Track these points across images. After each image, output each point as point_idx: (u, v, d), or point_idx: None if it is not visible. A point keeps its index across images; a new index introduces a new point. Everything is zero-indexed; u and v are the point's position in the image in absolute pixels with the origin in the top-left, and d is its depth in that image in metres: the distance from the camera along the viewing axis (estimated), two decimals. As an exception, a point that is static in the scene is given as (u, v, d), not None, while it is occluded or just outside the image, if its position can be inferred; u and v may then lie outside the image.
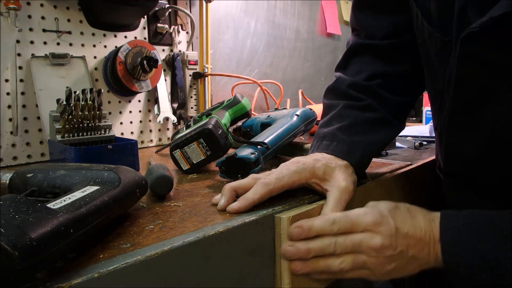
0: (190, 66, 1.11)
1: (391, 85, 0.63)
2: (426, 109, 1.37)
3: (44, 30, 0.85)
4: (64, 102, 0.70)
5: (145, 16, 1.03)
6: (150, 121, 1.06)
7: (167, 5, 1.06)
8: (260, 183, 0.49)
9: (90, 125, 0.72)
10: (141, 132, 1.04)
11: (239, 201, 0.47)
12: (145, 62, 0.92)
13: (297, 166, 0.51)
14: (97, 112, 0.72)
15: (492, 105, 0.47)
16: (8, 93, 0.80)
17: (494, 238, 0.43)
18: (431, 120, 1.34)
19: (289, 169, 0.51)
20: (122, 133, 1.00)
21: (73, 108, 0.70)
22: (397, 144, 0.95)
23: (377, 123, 0.60)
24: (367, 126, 0.59)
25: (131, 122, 1.02)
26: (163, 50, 1.09)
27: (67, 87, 0.70)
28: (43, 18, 0.85)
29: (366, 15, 0.65)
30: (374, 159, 0.77)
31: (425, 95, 1.35)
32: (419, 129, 1.15)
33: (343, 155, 0.55)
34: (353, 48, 0.66)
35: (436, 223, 0.46)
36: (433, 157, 0.80)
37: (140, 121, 1.04)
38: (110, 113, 0.96)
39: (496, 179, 0.52)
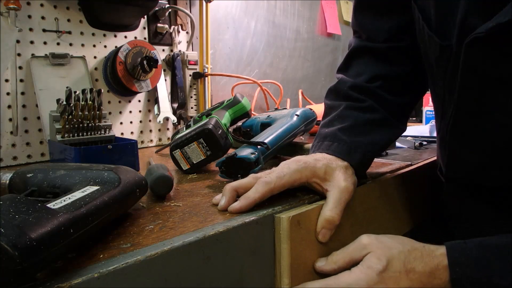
0: (190, 66, 1.12)
1: (392, 87, 0.63)
2: (426, 109, 1.37)
3: (44, 30, 0.85)
4: (64, 102, 0.70)
5: (145, 16, 1.03)
6: (150, 121, 1.06)
7: (167, 5, 1.06)
8: (261, 182, 0.49)
9: (90, 125, 0.72)
10: (141, 132, 1.04)
11: (240, 200, 0.47)
12: (145, 62, 0.92)
13: (298, 165, 0.51)
14: (97, 112, 0.72)
15: (496, 111, 0.47)
16: (8, 93, 0.80)
17: (509, 272, 0.41)
18: (431, 120, 1.34)
19: (290, 168, 0.51)
20: (122, 133, 1.00)
21: (73, 108, 0.70)
22: (397, 144, 0.95)
23: (378, 124, 0.60)
24: (368, 127, 0.59)
25: (131, 122, 1.02)
26: (163, 50, 1.09)
27: (67, 87, 0.70)
28: (43, 18, 0.85)
29: (367, 18, 0.65)
30: (374, 159, 0.77)
31: (425, 95, 1.35)
32: (419, 129, 1.15)
33: (344, 156, 0.55)
34: (354, 50, 0.67)
35: (441, 267, 0.43)
36: (434, 158, 0.80)
37: (140, 121, 1.04)
38: (110, 113, 0.97)
39: (499, 184, 0.51)
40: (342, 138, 0.57)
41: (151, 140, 1.07)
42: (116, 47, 0.96)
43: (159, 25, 1.06)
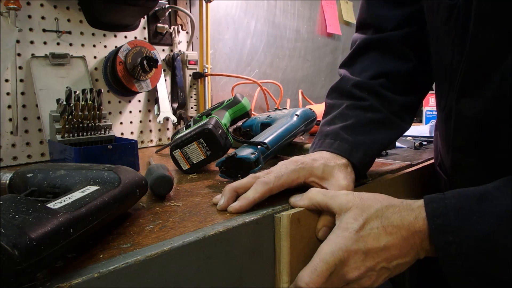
0: (190, 66, 1.12)
1: (395, 84, 0.63)
2: (426, 109, 1.37)
3: (44, 30, 0.85)
4: (64, 102, 0.70)
5: (145, 16, 1.03)
6: (150, 121, 1.06)
7: (167, 5, 1.06)
8: (260, 182, 0.49)
9: (90, 125, 0.72)
10: (141, 132, 1.04)
11: (239, 200, 0.47)
12: (145, 62, 0.92)
13: (296, 165, 0.52)
14: (97, 112, 0.72)
15: (507, 62, 0.46)
16: (8, 93, 0.80)
17: (490, 218, 0.40)
18: (431, 120, 1.34)
19: (288, 168, 0.51)
20: (122, 133, 1.00)
21: (73, 108, 0.70)
22: (397, 144, 0.95)
23: (380, 124, 0.60)
24: (369, 127, 0.59)
25: (131, 122, 1.02)
26: (163, 50, 1.09)
27: (67, 87, 0.70)
28: (43, 18, 0.85)
29: (380, 6, 0.66)
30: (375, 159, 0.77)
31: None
32: (419, 129, 1.15)
33: (346, 154, 0.55)
34: (360, 46, 0.67)
35: (420, 219, 0.43)
36: (433, 158, 0.79)
37: (140, 121, 1.04)
38: (110, 113, 0.97)
39: (505, 149, 0.50)
40: (345, 137, 0.57)
41: (151, 140, 1.07)
42: (116, 47, 0.96)
43: (159, 25, 1.06)
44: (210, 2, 1.13)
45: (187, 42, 1.15)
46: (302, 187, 0.53)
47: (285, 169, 0.51)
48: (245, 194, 0.48)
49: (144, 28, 1.04)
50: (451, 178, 0.61)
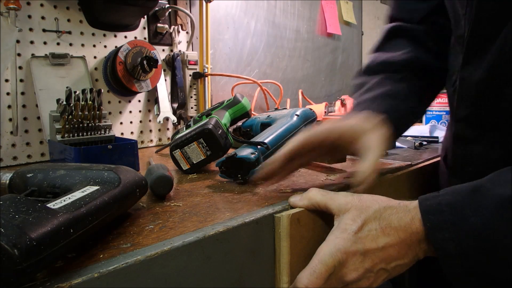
0: (190, 66, 1.12)
1: (419, 70, 0.67)
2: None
3: (44, 30, 0.85)
4: (64, 102, 0.70)
5: (145, 16, 1.03)
6: (150, 121, 1.06)
7: (167, 5, 1.06)
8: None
9: (90, 125, 0.72)
10: (141, 132, 1.04)
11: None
12: (145, 62, 0.92)
13: (330, 123, 0.55)
14: (97, 112, 0.72)
15: (507, 27, 0.47)
16: (8, 93, 0.80)
17: (483, 210, 0.39)
18: (431, 120, 1.34)
19: (323, 125, 0.55)
20: (122, 133, 1.00)
21: (73, 108, 0.70)
22: (397, 144, 0.95)
23: (414, 92, 0.64)
24: (404, 94, 0.63)
25: (131, 122, 1.02)
26: (163, 50, 1.09)
27: (67, 87, 0.70)
28: (43, 18, 0.85)
29: (408, 1, 0.70)
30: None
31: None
32: (419, 129, 1.15)
33: (385, 112, 0.58)
34: (391, 31, 0.71)
35: (416, 220, 0.42)
36: (434, 159, 0.79)
37: (140, 121, 1.04)
38: (110, 113, 0.97)
39: (507, 122, 0.50)
40: (382, 101, 0.61)
41: (151, 140, 1.07)
42: (116, 47, 0.96)
43: (159, 25, 1.06)
44: (210, 2, 1.13)
45: (187, 42, 1.15)
46: (302, 188, 0.53)
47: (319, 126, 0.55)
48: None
49: (144, 28, 1.04)
50: (453, 162, 0.61)
